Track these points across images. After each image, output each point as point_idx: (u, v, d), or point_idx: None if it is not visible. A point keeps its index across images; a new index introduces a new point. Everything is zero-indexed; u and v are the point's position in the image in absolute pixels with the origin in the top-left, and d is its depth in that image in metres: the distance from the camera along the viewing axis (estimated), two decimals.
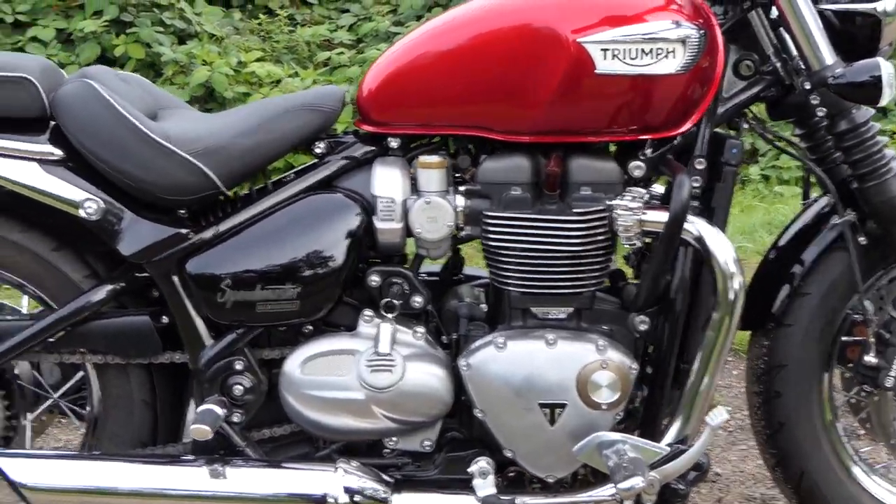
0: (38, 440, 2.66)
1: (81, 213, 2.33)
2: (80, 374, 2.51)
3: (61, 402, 2.53)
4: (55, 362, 2.48)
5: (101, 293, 2.41)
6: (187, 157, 2.32)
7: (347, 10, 8.08)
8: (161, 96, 2.67)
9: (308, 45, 7.25)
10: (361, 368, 2.37)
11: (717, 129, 2.43)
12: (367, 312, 2.42)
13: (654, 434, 2.44)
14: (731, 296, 2.31)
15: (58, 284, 2.42)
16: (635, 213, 2.28)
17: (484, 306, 2.49)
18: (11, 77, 2.33)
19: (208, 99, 6.21)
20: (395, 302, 2.40)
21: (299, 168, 2.51)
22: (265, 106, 2.49)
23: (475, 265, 2.74)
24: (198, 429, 2.29)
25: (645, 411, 2.47)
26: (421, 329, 2.42)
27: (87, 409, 2.51)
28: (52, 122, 2.39)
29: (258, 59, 6.60)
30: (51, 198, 2.34)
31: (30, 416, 2.52)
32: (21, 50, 6.30)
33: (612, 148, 2.44)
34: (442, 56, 2.37)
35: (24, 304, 2.61)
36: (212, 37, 6.85)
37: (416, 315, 2.46)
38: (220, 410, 2.35)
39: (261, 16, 7.75)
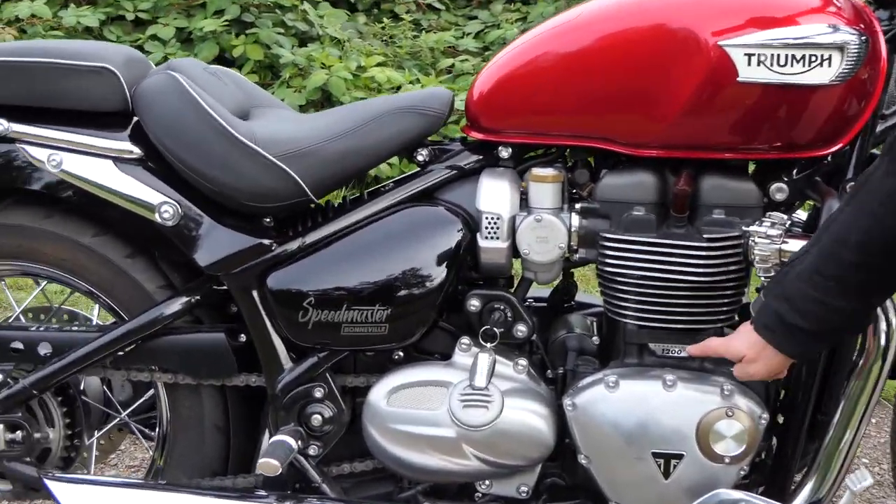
0: (111, 458, 2.46)
1: (157, 217, 2.13)
2: (151, 391, 2.30)
3: (130, 422, 2.33)
4: (125, 379, 2.28)
5: (175, 306, 2.21)
6: (274, 160, 2.11)
7: (475, 17, 7.84)
8: (256, 93, 2.47)
9: (432, 52, 7.03)
10: (454, 403, 2.12)
11: (874, 150, 2.12)
12: (465, 340, 2.18)
13: (784, 494, 2.17)
14: (883, 340, 2.02)
15: (129, 294, 2.22)
16: (775, 242, 2.00)
17: (595, 339, 2.24)
18: (92, 67, 2.14)
19: (325, 104, 6.03)
20: (496, 330, 2.15)
21: (399, 178, 2.26)
22: (365, 107, 2.26)
23: (589, 292, 2.46)
24: (266, 463, 2.07)
25: (774, 466, 2.19)
26: (523, 361, 2.17)
27: (157, 430, 2.31)
28: (135, 118, 2.18)
29: (379, 64, 6.39)
30: (125, 199, 2.14)
31: (96, 435, 2.32)
32: (140, 49, 6.22)
33: (751, 167, 2.17)
34: (562, 58, 2.11)
35: (95, 314, 2.42)
36: (333, 40, 6.67)
37: (519, 345, 2.22)
38: (293, 443, 2.13)
39: (385, 20, 7.57)
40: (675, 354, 2.12)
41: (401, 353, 2.23)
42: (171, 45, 6.46)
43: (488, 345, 2.16)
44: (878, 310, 2.02)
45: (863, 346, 2.06)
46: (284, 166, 2.11)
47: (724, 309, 2.10)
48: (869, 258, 1.75)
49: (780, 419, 2.19)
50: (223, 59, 6.36)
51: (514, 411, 2.13)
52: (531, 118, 2.14)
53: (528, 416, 2.14)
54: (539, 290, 2.41)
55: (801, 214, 2.21)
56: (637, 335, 2.13)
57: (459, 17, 8.02)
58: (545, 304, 2.39)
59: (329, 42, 6.67)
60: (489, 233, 2.13)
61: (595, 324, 2.30)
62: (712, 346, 2.03)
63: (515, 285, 2.25)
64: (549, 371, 2.23)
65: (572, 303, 2.40)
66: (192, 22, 6.62)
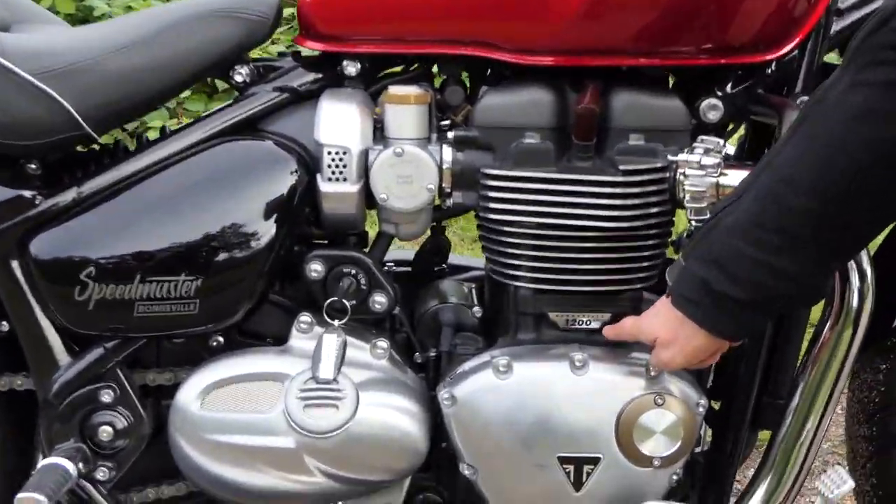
0: None
1: None
2: None
3: None
4: None
5: None
6: (31, 79, 1.54)
7: None
8: (23, 8, 1.87)
9: None
10: (292, 402, 1.59)
11: (829, 57, 1.67)
12: (305, 318, 1.64)
13: (722, 501, 1.68)
14: (856, 300, 1.55)
15: None
16: (710, 174, 1.54)
17: (477, 310, 1.72)
18: None
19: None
20: (346, 303, 1.62)
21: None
22: (162, 12, 1.68)
23: (466, 254, 1.95)
24: (27, 500, 1.48)
25: (709, 469, 1.70)
26: (383, 343, 1.64)
27: None
28: None
29: None
30: None
31: None
32: None
33: (673, 80, 1.69)
34: None
35: None
36: None
37: (378, 322, 1.72)
38: (71, 467, 1.57)
39: None
40: (585, 326, 1.62)
41: (220, 339, 1.69)
42: None
43: (336, 322, 1.62)
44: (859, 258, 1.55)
45: (826, 309, 1.58)
46: (47, 88, 1.55)
47: (646, 265, 1.61)
48: (826, 206, 1.29)
49: (715, 406, 1.72)
50: None
51: (372, 409, 1.61)
52: (386, 20, 1.62)
53: (392, 414, 1.62)
54: (401, 252, 1.90)
55: (730, 149, 1.73)
56: (533, 303, 1.62)
57: None
58: (409, 270, 1.86)
59: None
60: (333, 173, 1.60)
61: (476, 292, 1.79)
62: (626, 326, 1.56)
63: (371, 244, 1.72)
64: (417, 355, 1.71)
65: (444, 266, 1.88)
66: None
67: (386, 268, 1.78)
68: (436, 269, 1.87)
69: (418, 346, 1.71)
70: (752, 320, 1.41)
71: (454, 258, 1.92)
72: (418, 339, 1.73)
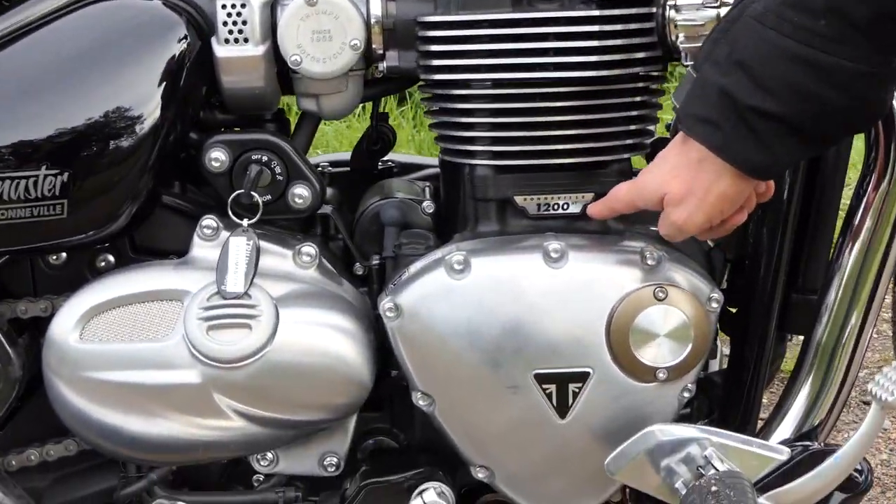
0: None
1: None
2: None
3: None
4: None
5: None
6: None
7: None
8: None
9: None
10: (192, 324, 1.24)
11: None
12: (208, 222, 1.30)
13: (748, 424, 1.34)
14: None
15: None
16: (709, 4, 1.20)
17: (429, 205, 1.36)
18: None
19: None
20: (258, 198, 1.26)
21: None
22: None
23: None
24: None
25: (729, 389, 1.36)
26: (310, 249, 1.30)
27: None
28: None
29: None
30: None
31: None
32: None
33: None
34: None
35: None
36: None
37: (306, 224, 1.37)
38: None
39: None
40: (562, 211, 1.27)
41: (110, 258, 1.35)
42: None
43: (245, 222, 1.27)
44: None
45: (868, 162, 1.24)
46: None
47: (634, 128, 1.27)
48: None
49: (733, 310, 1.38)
50: None
51: (296, 329, 1.25)
52: None
53: (323, 334, 1.27)
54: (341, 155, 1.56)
55: None
56: (495, 185, 1.28)
57: None
58: (347, 169, 1.52)
59: None
60: (231, 33, 1.26)
61: (430, 190, 1.44)
62: (620, 194, 1.20)
63: (293, 130, 1.38)
64: (357, 265, 1.36)
65: (392, 164, 1.53)
66: None
67: (320, 168, 1.45)
68: (380, 166, 1.53)
69: (357, 254, 1.36)
70: (790, 149, 1.07)
71: (407, 157, 1.58)
72: (358, 246, 1.38)
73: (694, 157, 1.10)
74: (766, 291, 1.32)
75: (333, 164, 1.53)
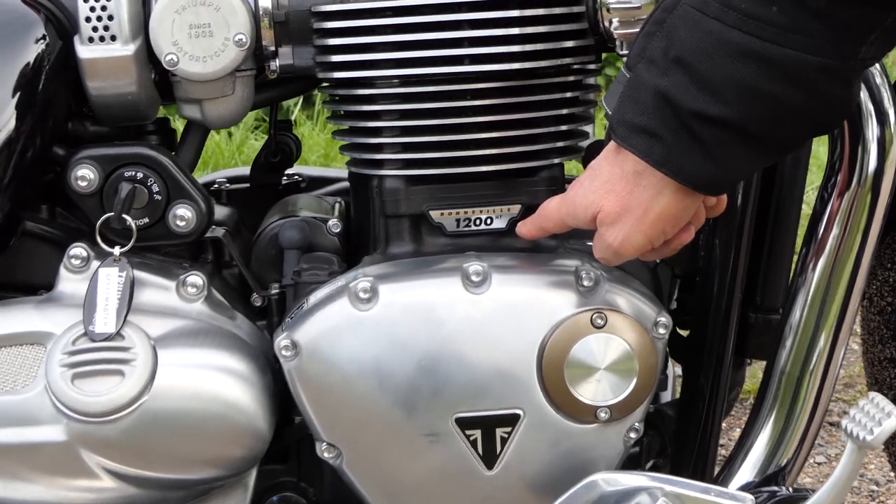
0: None
1: None
2: None
3: None
4: None
5: None
6: None
7: None
8: None
9: None
10: (55, 372, 1.06)
11: None
12: (77, 250, 1.12)
13: (706, 466, 1.18)
14: (874, 151, 1.06)
15: None
16: None
17: (335, 223, 1.19)
18: None
19: None
20: (132, 221, 1.09)
21: None
22: None
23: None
24: None
25: (683, 423, 1.20)
26: (197, 279, 1.12)
27: None
28: None
29: None
30: None
31: None
32: None
33: None
34: None
35: None
36: None
37: (194, 250, 1.18)
38: None
39: None
40: (485, 227, 1.10)
41: None
42: None
43: (117, 250, 1.10)
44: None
45: (832, 166, 1.08)
46: None
47: (565, 129, 1.10)
48: None
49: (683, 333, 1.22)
50: None
51: (177, 374, 1.08)
52: None
53: (210, 379, 1.09)
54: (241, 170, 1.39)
55: None
56: (406, 198, 1.11)
57: None
58: (247, 186, 1.35)
59: None
60: (95, 30, 1.09)
61: (339, 207, 1.27)
62: (549, 211, 1.03)
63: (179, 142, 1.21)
64: (254, 295, 1.18)
65: (297, 177, 1.36)
66: None
67: (217, 186, 1.28)
68: (286, 180, 1.36)
69: (253, 283, 1.19)
70: (742, 159, 0.91)
71: (317, 170, 1.41)
72: (255, 274, 1.20)
73: (630, 170, 0.94)
74: (721, 311, 1.16)
75: (232, 180, 1.36)
